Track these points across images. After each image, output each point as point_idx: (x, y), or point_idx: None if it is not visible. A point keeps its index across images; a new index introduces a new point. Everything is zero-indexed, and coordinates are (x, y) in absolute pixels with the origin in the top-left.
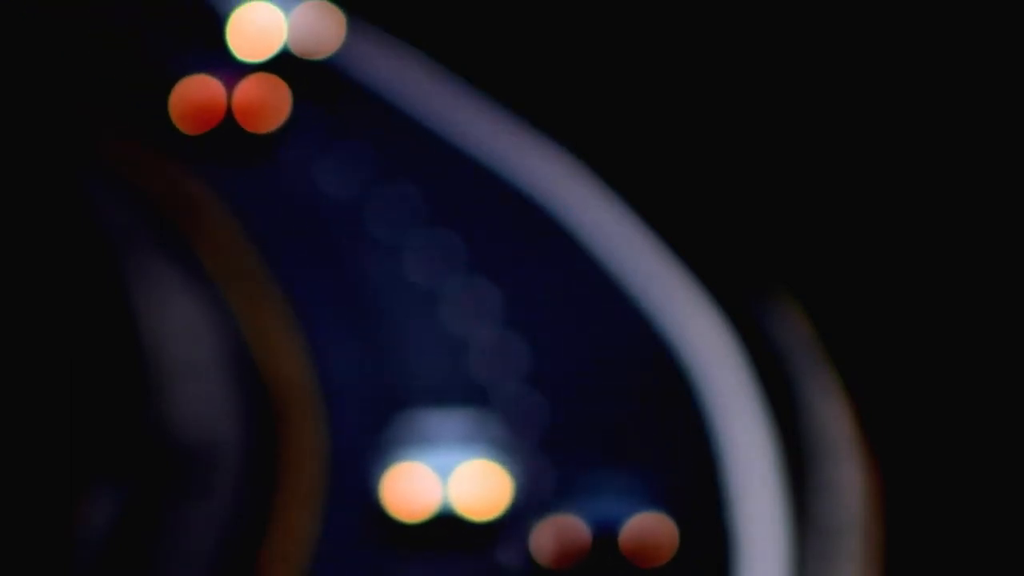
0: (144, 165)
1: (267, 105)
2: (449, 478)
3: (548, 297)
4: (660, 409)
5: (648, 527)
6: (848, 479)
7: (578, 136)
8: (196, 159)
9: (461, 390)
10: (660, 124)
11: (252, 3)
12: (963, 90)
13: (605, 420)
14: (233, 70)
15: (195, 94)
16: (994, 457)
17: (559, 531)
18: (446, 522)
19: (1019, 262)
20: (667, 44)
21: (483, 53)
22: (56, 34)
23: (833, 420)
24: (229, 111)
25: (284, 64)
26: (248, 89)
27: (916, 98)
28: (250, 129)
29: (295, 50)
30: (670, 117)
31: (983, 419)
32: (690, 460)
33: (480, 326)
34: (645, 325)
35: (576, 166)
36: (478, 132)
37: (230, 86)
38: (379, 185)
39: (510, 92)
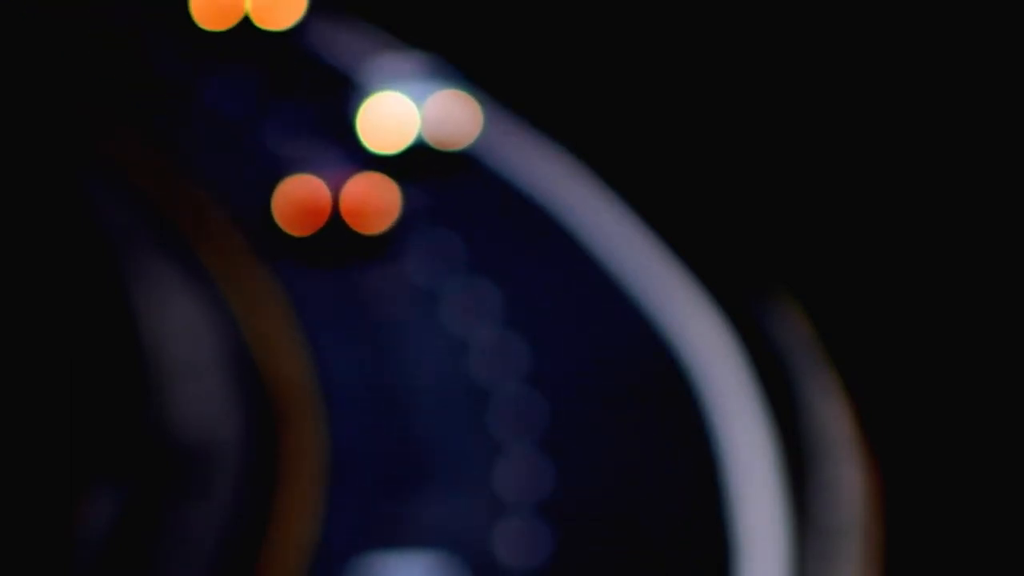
0: (144, 165)
1: (376, 205)
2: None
3: (548, 297)
4: (660, 409)
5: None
6: (848, 479)
7: (578, 136)
8: (300, 261)
9: (461, 390)
10: (660, 124)
11: (383, 94)
12: (963, 90)
13: (605, 420)
14: (342, 168)
15: (301, 193)
16: (994, 457)
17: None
18: (421, 151)
19: (1019, 262)
20: (667, 44)
21: (482, 52)
22: (56, 34)
23: (833, 420)
24: (336, 211)
25: (418, 155)
26: (357, 189)
27: (916, 98)
28: (358, 229)
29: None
30: (670, 117)
31: (983, 419)
32: (690, 460)
33: (480, 326)
34: (645, 325)
35: (576, 166)
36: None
37: (338, 185)
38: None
39: (510, 92)
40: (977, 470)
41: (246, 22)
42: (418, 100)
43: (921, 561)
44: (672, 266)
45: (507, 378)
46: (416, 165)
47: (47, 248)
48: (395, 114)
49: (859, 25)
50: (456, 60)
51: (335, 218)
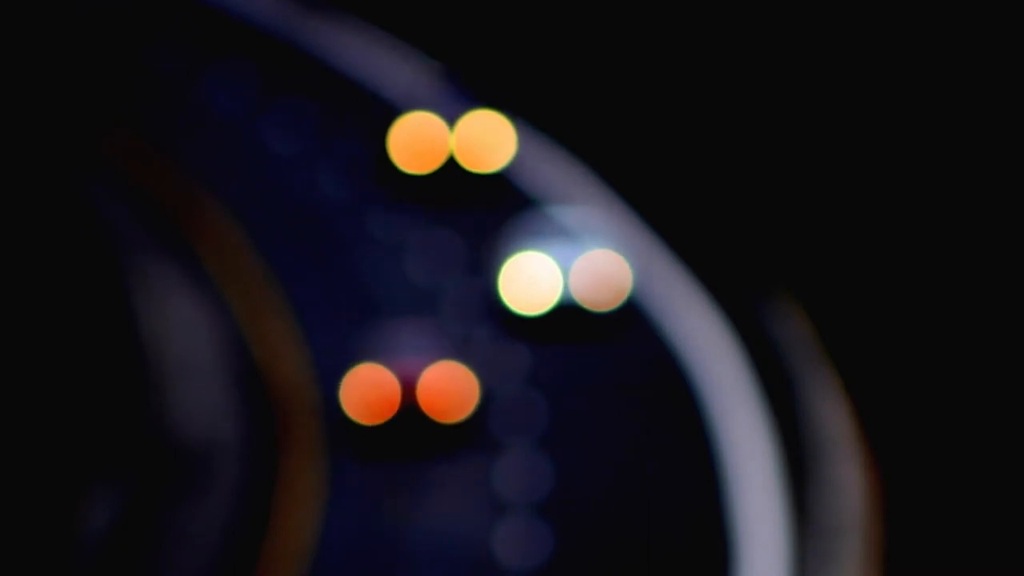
0: (144, 165)
1: (455, 394)
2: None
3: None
4: (660, 409)
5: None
6: (848, 479)
7: (578, 136)
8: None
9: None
10: (660, 124)
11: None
12: (963, 90)
13: (605, 420)
14: (421, 355)
15: (375, 381)
16: (994, 457)
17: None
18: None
19: (1019, 262)
20: (667, 44)
21: (482, 52)
22: (57, 34)
23: (833, 420)
24: (411, 399)
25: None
26: (436, 376)
27: (916, 98)
28: (437, 418)
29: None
30: (670, 117)
31: (983, 419)
32: (690, 460)
33: (480, 326)
34: (645, 325)
35: (576, 166)
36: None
37: (415, 372)
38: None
39: (510, 91)
40: (977, 470)
41: (451, 164)
42: (565, 260)
43: (921, 561)
44: (673, 266)
45: (507, 378)
46: (562, 326)
47: (47, 248)
48: (539, 274)
49: (859, 25)
50: (455, 60)
51: (410, 407)
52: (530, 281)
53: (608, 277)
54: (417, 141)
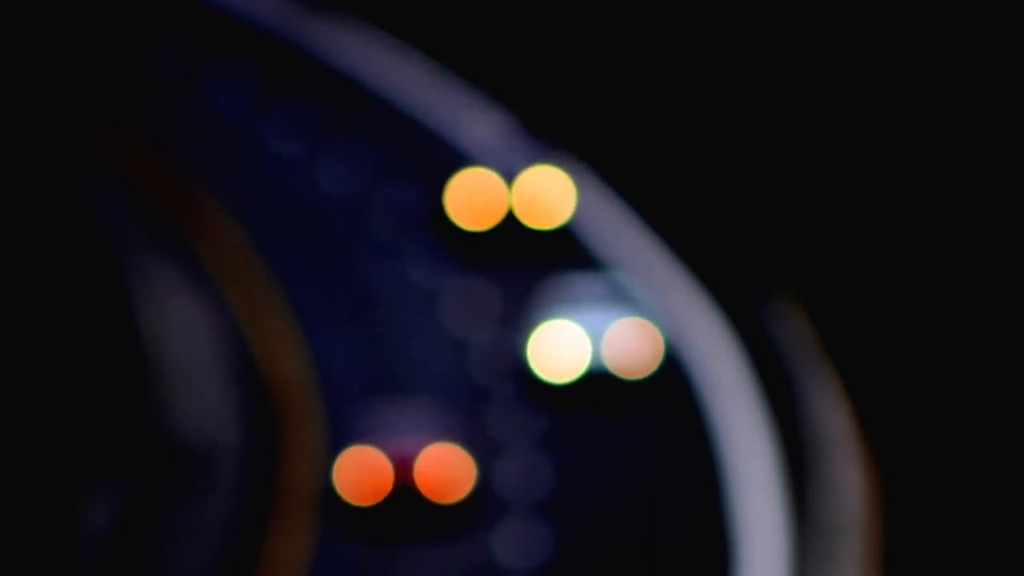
0: (144, 165)
1: (451, 475)
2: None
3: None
4: (660, 409)
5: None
6: (848, 479)
7: (578, 136)
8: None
9: (461, 389)
10: (660, 124)
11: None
12: (963, 90)
13: (605, 420)
14: (417, 436)
15: (371, 462)
16: (994, 457)
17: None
18: (598, 381)
19: (1019, 262)
20: (668, 44)
21: (484, 52)
22: (57, 34)
23: (833, 420)
24: (405, 480)
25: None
26: (432, 457)
27: (916, 98)
28: (433, 499)
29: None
30: (670, 117)
31: (983, 419)
32: (690, 460)
33: (480, 326)
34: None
35: (576, 166)
36: (478, 131)
37: (412, 454)
38: (379, 185)
39: (510, 91)
40: (977, 470)
41: (510, 220)
42: (595, 329)
43: (921, 561)
44: (673, 266)
45: (507, 378)
46: (591, 395)
47: (47, 249)
48: (569, 343)
49: (859, 25)
50: (456, 61)
51: (404, 488)
52: (559, 349)
53: (641, 346)
54: (475, 197)
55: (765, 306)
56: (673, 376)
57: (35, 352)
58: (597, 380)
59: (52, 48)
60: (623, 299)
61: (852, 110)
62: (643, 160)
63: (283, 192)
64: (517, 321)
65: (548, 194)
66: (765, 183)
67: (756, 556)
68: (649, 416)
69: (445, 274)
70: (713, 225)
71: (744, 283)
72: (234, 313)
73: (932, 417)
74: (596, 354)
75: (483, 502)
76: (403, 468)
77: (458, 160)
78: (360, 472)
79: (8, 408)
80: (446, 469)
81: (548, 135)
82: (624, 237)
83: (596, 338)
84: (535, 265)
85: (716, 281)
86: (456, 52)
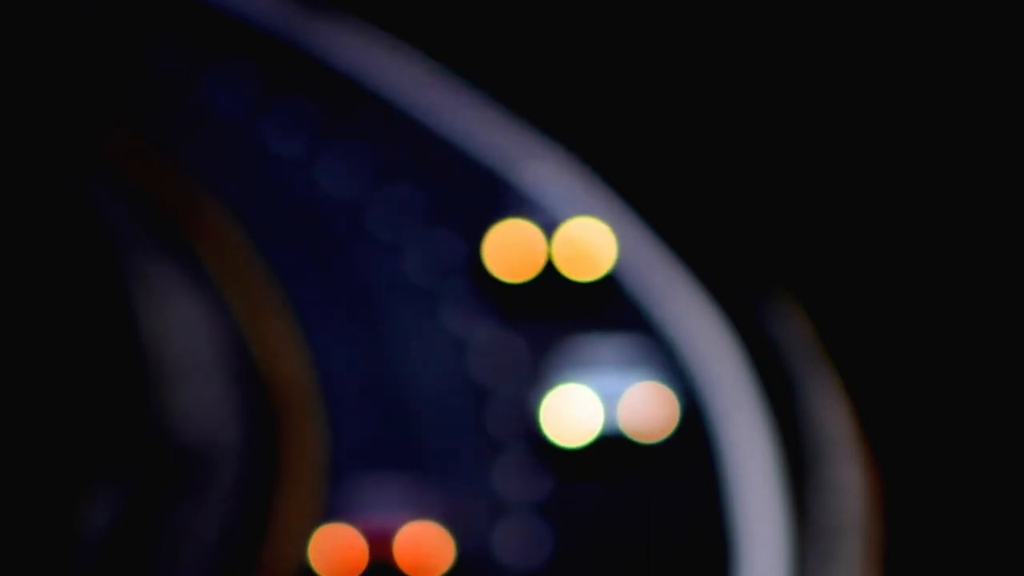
0: (144, 165)
1: (430, 552)
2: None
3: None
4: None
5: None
6: (848, 479)
7: (578, 136)
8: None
9: (461, 390)
10: (660, 124)
11: (570, 385)
12: (963, 90)
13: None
14: (396, 513)
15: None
16: (994, 457)
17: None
18: (612, 444)
19: (1019, 262)
20: (667, 44)
21: (483, 52)
22: (57, 35)
23: (833, 420)
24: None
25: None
26: (412, 535)
27: (916, 98)
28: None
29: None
30: (670, 117)
31: (983, 419)
32: (690, 460)
33: (480, 326)
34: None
35: (576, 166)
36: (478, 132)
37: (390, 532)
38: (379, 185)
39: (510, 91)
40: (977, 470)
41: (550, 271)
42: (610, 393)
43: (921, 561)
44: (673, 266)
45: (507, 378)
46: (604, 460)
47: (47, 249)
48: (582, 408)
49: (859, 25)
50: (456, 60)
51: (381, 565)
52: (572, 414)
53: (656, 410)
54: (514, 248)
55: (765, 306)
56: (674, 375)
57: (35, 352)
58: (609, 444)
59: (52, 48)
60: (641, 363)
61: (851, 110)
62: (643, 160)
63: (283, 192)
64: (539, 377)
65: (589, 246)
66: (765, 183)
67: (756, 556)
68: (662, 478)
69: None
70: (713, 225)
71: (744, 283)
72: (234, 313)
73: (932, 417)
74: (610, 419)
75: None
76: (381, 544)
77: (499, 210)
78: (336, 550)
79: (9, 408)
80: (426, 546)
81: (592, 187)
82: (625, 237)
83: (610, 403)
84: (569, 320)
85: (716, 281)
86: (456, 52)
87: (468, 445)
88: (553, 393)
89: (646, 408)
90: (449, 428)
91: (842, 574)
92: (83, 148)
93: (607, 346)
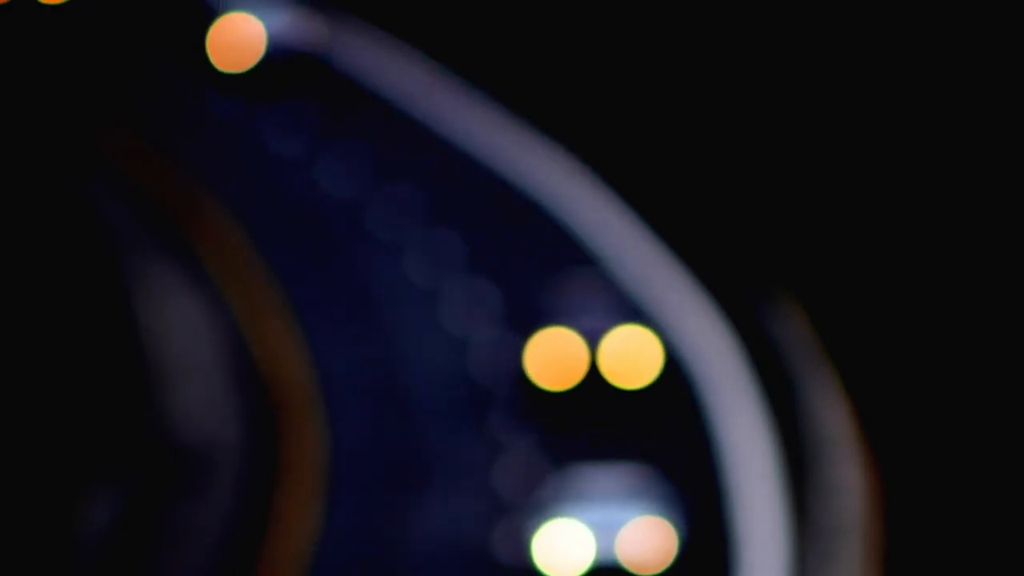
0: (144, 165)
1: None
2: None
3: (548, 297)
4: (660, 409)
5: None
6: (848, 479)
7: (578, 136)
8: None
9: (461, 390)
10: (660, 124)
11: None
12: (963, 90)
13: (604, 420)
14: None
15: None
16: (994, 457)
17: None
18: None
19: (1019, 262)
20: (667, 44)
21: (483, 52)
22: (57, 35)
23: (833, 420)
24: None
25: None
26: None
27: (916, 98)
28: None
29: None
30: (670, 117)
31: (983, 419)
32: (690, 460)
33: (480, 326)
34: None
35: (576, 166)
36: (478, 132)
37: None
38: (379, 185)
39: (510, 91)
40: (977, 470)
41: (595, 377)
42: (607, 525)
43: (921, 561)
44: (673, 266)
45: (507, 378)
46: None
47: (48, 249)
48: (574, 541)
49: (859, 25)
50: (456, 60)
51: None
52: (564, 548)
53: (652, 543)
54: (556, 355)
55: (765, 306)
56: (674, 375)
57: (35, 352)
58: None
59: (52, 48)
60: (638, 495)
61: (851, 110)
62: (643, 160)
63: (283, 192)
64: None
65: (633, 353)
66: (764, 183)
67: (756, 556)
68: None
69: (443, 274)
70: (713, 225)
71: (744, 283)
72: (234, 313)
73: (932, 417)
74: (603, 551)
75: None
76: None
77: (541, 318)
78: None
79: (9, 408)
80: None
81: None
82: (624, 237)
83: (608, 535)
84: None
85: (716, 281)
86: (456, 52)
87: (468, 445)
88: (548, 526)
89: (644, 541)
90: (449, 428)
91: (842, 574)
92: (83, 148)
93: (606, 476)
